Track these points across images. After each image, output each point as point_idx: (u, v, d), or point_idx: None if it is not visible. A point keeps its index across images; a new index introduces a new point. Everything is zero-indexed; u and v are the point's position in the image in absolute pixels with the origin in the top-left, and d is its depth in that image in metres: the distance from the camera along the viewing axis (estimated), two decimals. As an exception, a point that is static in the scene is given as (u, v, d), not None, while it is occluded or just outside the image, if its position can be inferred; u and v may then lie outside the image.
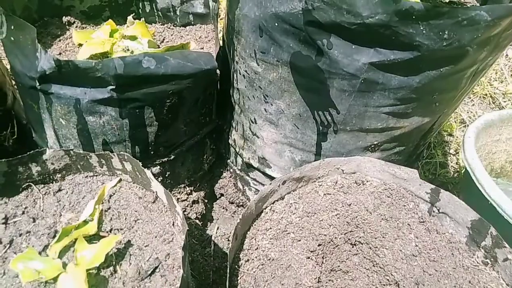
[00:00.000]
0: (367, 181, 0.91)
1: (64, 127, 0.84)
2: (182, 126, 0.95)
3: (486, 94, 1.79)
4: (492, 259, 0.74)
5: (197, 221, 1.12)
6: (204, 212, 1.16)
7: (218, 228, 1.17)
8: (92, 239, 0.74)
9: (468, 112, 1.70)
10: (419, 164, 1.42)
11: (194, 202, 1.12)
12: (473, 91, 1.80)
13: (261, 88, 0.87)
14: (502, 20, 0.66)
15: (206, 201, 1.18)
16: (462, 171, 1.37)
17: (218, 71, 0.92)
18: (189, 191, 1.11)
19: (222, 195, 1.23)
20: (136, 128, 0.86)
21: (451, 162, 1.49)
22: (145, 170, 0.77)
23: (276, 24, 0.75)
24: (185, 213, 1.09)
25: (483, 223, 0.76)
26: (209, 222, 1.20)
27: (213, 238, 1.12)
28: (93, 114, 0.81)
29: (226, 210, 1.24)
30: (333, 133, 0.86)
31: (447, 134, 1.62)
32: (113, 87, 0.77)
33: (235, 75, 0.94)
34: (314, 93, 0.80)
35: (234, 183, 1.19)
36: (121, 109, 0.81)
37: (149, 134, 0.88)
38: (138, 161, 0.77)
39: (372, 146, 0.89)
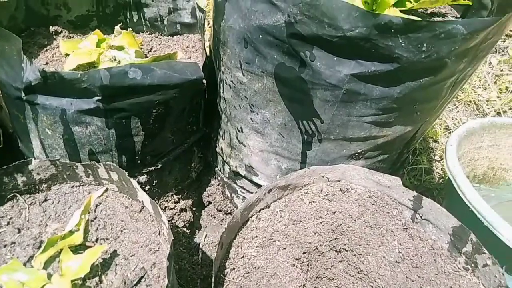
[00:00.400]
0: (351, 189, 0.92)
1: (50, 137, 0.84)
2: (169, 135, 0.96)
3: (470, 101, 1.83)
4: (472, 265, 0.76)
5: (184, 229, 1.12)
6: (192, 220, 1.16)
7: (206, 236, 1.18)
8: (78, 249, 0.74)
9: (452, 119, 1.74)
10: (404, 171, 1.45)
11: (181, 210, 1.12)
12: (457, 98, 1.84)
13: (247, 98, 0.88)
14: (478, 33, 0.68)
15: (194, 209, 1.19)
16: (447, 178, 1.40)
17: (204, 81, 0.93)
18: (177, 200, 1.11)
19: (210, 202, 1.24)
20: (122, 137, 0.86)
21: (436, 169, 1.51)
22: (131, 179, 0.78)
23: (260, 36, 0.76)
24: (173, 221, 1.10)
25: (463, 229, 0.77)
26: (197, 230, 1.21)
27: (201, 246, 1.13)
28: (79, 124, 0.82)
29: (214, 217, 1.24)
30: (317, 142, 0.88)
31: (432, 140, 1.64)
32: (99, 97, 0.78)
33: (221, 84, 0.95)
34: (298, 103, 0.82)
35: (222, 191, 1.20)
36: (107, 119, 0.82)
37: (135, 143, 0.89)
38: (124, 171, 0.78)
39: (356, 154, 0.91)
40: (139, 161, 0.93)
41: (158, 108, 0.86)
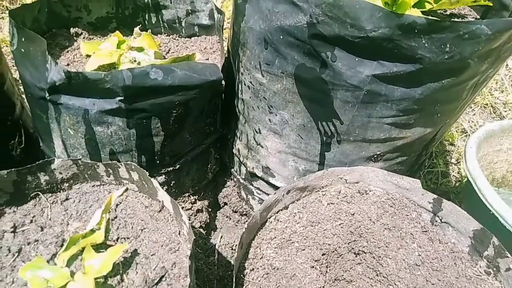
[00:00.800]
0: (370, 191, 0.92)
1: (72, 137, 0.86)
2: (187, 135, 0.96)
3: (487, 104, 1.80)
4: (494, 269, 0.75)
5: (201, 230, 1.12)
6: (208, 221, 1.17)
7: (221, 237, 1.18)
8: (99, 248, 0.75)
9: (469, 122, 1.72)
10: (421, 173, 1.43)
11: (198, 211, 1.13)
12: (474, 101, 1.82)
13: (266, 98, 0.88)
14: (502, 34, 0.68)
15: (210, 210, 1.19)
16: (464, 181, 1.39)
17: (223, 82, 0.94)
18: (194, 200, 1.12)
19: (225, 204, 1.24)
20: (142, 138, 0.87)
21: (453, 172, 1.50)
22: (152, 179, 0.78)
23: (281, 37, 0.77)
24: (190, 222, 1.10)
25: (485, 233, 0.77)
26: (212, 231, 1.21)
27: (217, 247, 1.13)
28: (101, 124, 0.83)
29: (230, 219, 1.25)
30: (336, 144, 0.87)
31: (449, 143, 1.63)
32: (122, 98, 0.79)
33: (240, 85, 0.96)
34: (318, 104, 0.82)
35: (237, 192, 1.20)
36: (128, 120, 0.83)
37: (155, 143, 0.90)
38: (144, 170, 0.79)
39: (375, 156, 0.91)
40: (158, 161, 0.94)
41: (178, 109, 0.87)
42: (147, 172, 0.78)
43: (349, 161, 0.91)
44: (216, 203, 1.25)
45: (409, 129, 0.85)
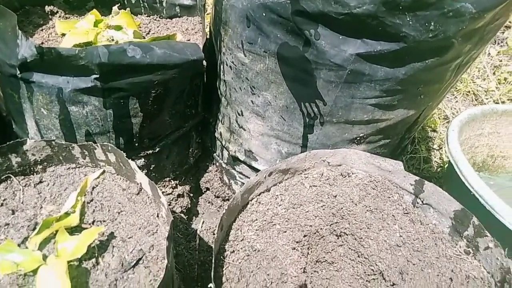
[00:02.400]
0: (352, 173, 0.91)
1: (46, 118, 0.82)
2: (167, 117, 0.94)
3: (469, 91, 1.82)
4: (474, 248, 0.75)
5: (182, 215, 1.10)
6: (190, 206, 1.15)
7: (203, 222, 1.16)
8: (74, 231, 0.73)
9: (451, 109, 1.73)
10: (403, 158, 1.44)
11: (179, 196, 1.10)
12: (456, 88, 1.83)
13: (248, 79, 0.86)
14: (486, 12, 0.67)
15: (191, 195, 1.17)
16: (445, 166, 1.40)
17: (204, 62, 0.91)
18: (174, 185, 1.09)
19: (207, 189, 1.22)
20: (120, 118, 0.84)
21: (435, 157, 1.51)
22: (129, 161, 0.76)
23: (264, 14, 0.74)
24: (170, 206, 1.08)
25: (465, 213, 0.77)
26: (194, 216, 1.19)
27: (198, 232, 1.11)
28: (76, 104, 0.79)
29: (212, 204, 1.23)
30: (319, 125, 0.86)
31: (431, 130, 1.64)
32: (97, 76, 0.75)
33: (221, 66, 0.93)
34: (301, 84, 0.80)
35: (220, 177, 1.18)
36: (105, 99, 0.80)
37: (133, 125, 0.87)
38: (122, 152, 0.76)
39: (358, 138, 0.90)
40: (136, 144, 0.91)
41: (157, 89, 0.84)
42: (124, 154, 0.76)
43: (332, 144, 0.90)
44: (198, 189, 1.23)
45: (392, 110, 0.84)
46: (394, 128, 0.91)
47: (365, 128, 0.87)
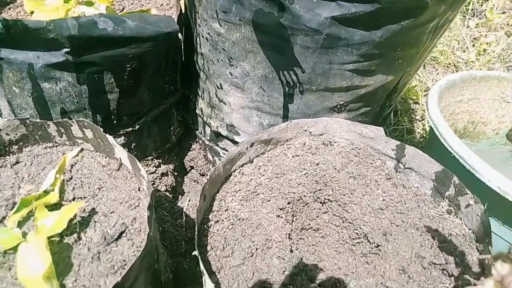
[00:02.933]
0: (334, 142, 0.91)
1: (18, 96, 0.80)
2: (145, 94, 0.92)
3: (449, 64, 1.83)
4: (455, 207, 0.76)
5: (167, 193, 1.10)
6: (174, 184, 1.14)
7: (189, 200, 1.16)
8: (54, 209, 0.71)
9: (432, 81, 1.74)
10: (386, 130, 1.45)
11: (163, 174, 1.10)
12: (437, 60, 1.84)
13: (225, 50, 0.85)
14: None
15: (175, 174, 1.17)
16: (429, 129, 1.41)
17: (180, 35, 0.89)
18: (157, 164, 1.08)
19: (192, 167, 1.21)
20: (96, 95, 0.82)
21: (417, 128, 1.52)
22: (107, 135, 0.74)
23: (236, -20, 0.73)
24: (154, 185, 1.07)
25: (446, 173, 0.78)
26: (180, 195, 1.19)
27: (184, 210, 1.11)
28: (48, 80, 0.77)
29: (197, 182, 1.22)
30: (299, 94, 0.86)
31: (413, 102, 1.65)
32: (68, 49, 0.73)
33: (198, 39, 0.92)
34: (278, 52, 0.79)
35: (204, 155, 1.17)
36: (78, 74, 0.78)
37: (110, 101, 0.85)
38: (98, 127, 0.75)
39: (338, 106, 0.90)
40: (115, 121, 0.90)
41: (132, 63, 0.82)
42: (101, 129, 0.74)
43: (313, 113, 0.90)
44: (183, 168, 1.22)
45: (371, 76, 0.84)
46: (374, 95, 0.91)
47: (345, 95, 0.87)
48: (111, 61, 0.79)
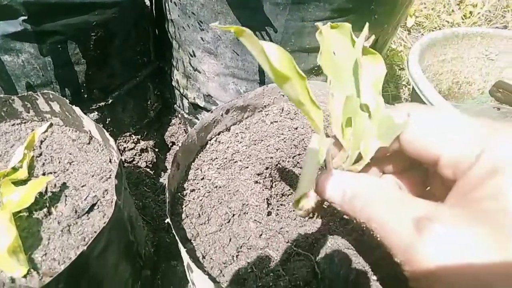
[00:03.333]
0: (314, 106, 0.89)
1: (-21, 71, 0.77)
2: (116, 65, 0.89)
3: (435, 27, 1.80)
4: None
5: (147, 169, 1.07)
6: (155, 161, 1.11)
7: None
8: (23, 185, 0.69)
9: (418, 46, 1.71)
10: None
11: (142, 150, 1.07)
12: (422, 25, 1.81)
13: (194, 14, 0.81)
14: None
15: (156, 150, 1.14)
16: (411, 90, 1.39)
17: (147, 2, 0.85)
18: (136, 140, 1.06)
19: (173, 143, 1.19)
20: (61, 67, 0.79)
21: (404, 94, 1.50)
22: (74, 107, 0.72)
23: None
24: (134, 162, 1.05)
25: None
26: (162, 172, 1.17)
27: (166, 186, 1.08)
28: (8, 53, 0.74)
29: (180, 159, 1.20)
30: (273, 56, 0.83)
31: (399, 68, 1.62)
32: (25, 17, 0.69)
33: (166, 5, 0.88)
34: (248, 11, 0.76)
35: (184, 129, 1.15)
36: (40, 45, 0.74)
37: (78, 74, 0.82)
38: (64, 99, 0.72)
39: (316, 68, 0.87)
40: (85, 95, 0.87)
41: (97, 31, 0.79)
42: (67, 100, 0.71)
43: (290, 76, 0.87)
44: (164, 144, 1.20)
45: (347, 34, 0.81)
46: (352, 54, 0.88)
47: (322, 56, 0.84)
48: (74, 30, 0.76)
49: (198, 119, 1.07)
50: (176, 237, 0.59)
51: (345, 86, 0.43)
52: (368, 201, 0.36)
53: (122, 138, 1.02)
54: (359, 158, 0.41)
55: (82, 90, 0.85)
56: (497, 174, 0.30)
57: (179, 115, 1.13)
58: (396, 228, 0.32)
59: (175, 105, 1.12)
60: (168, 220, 0.61)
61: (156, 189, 1.07)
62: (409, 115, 0.36)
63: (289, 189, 0.83)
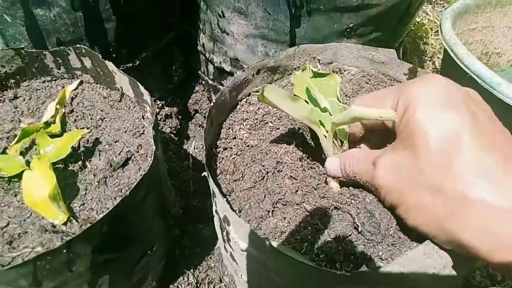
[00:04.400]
0: (344, 70, 0.87)
1: (11, 26, 0.76)
2: (144, 25, 0.87)
3: (459, 2, 1.75)
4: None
5: (172, 135, 1.07)
6: (179, 127, 1.11)
7: (195, 143, 1.13)
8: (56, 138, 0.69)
9: (442, 20, 1.67)
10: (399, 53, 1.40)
11: (167, 116, 1.06)
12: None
13: (226, -29, 0.80)
14: None
15: (180, 117, 1.13)
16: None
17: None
18: (161, 105, 1.05)
19: (196, 111, 1.18)
20: (92, 23, 0.78)
21: (428, 68, 1.47)
22: (106, 62, 0.71)
23: None
24: (159, 127, 1.05)
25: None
26: (185, 140, 1.16)
27: (190, 152, 1.08)
28: (41, 6, 0.73)
29: (202, 127, 1.20)
30: (306, 16, 0.81)
31: (423, 42, 1.59)
32: (59, -31, 0.68)
33: (196, -37, 0.86)
34: (283, -34, 0.74)
35: (208, 97, 1.14)
36: (72, -1, 0.73)
37: (108, 31, 0.81)
38: (97, 53, 0.71)
39: (348, 30, 0.85)
40: (114, 55, 0.86)
41: (127, -13, 0.77)
42: (99, 55, 0.71)
43: (322, 37, 0.85)
44: (187, 112, 1.19)
45: (383, -7, 0.79)
46: (385, 17, 0.86)
47: (355, 16, 0.82)
48: (106, -16, 0.74)
49: (223, 85, 1.06)
50: (215, 190, 0.58)
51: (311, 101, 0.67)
52: (351, 164, 0.56)
53: (147, 102, 1.01)
54: (342, 144, 0.63)
55: (111, 49, 0.84)
56: (407, 110, 0.45)
57: (203, 82, 1.12)
58: (366, 171, 0.53)
59: (199, 72, 1.11)
60: (206, 173, 0.60)
61: (180, 155, 1.07)
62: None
63: (320, 151, 0.82)
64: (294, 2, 0.78)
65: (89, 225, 0.51)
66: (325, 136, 0.62)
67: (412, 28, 1.56)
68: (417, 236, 0.52)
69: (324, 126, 0.62)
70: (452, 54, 0.85)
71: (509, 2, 1.07)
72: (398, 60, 0.83)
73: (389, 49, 0.83)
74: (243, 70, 0.76)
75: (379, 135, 0.59)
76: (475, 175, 0.40)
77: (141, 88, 0.66)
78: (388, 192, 0.50)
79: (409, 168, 0.45)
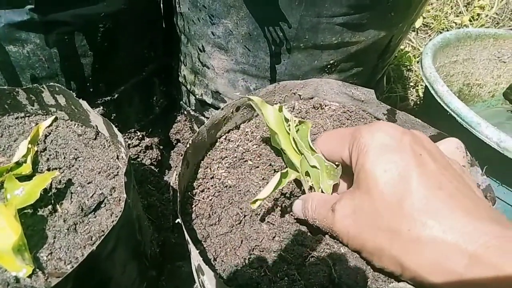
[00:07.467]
0: (325, 105, 0.87)
1: (-18, 62, 0.74)
2: (123, 59, 0.86)
3: (443, 29, 1.78)
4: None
5: (152, 167, 1.05)
6: (160, 158, 1.09)
7: (176, 175, 1.11)
8: (26, 180, 0.67)
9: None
10: (378, 95, 1.41)
11: (147, 147, 1.05)
12: (430, 26, 1.79)
13: (205, 7, 0.79)
14: None
15: (161, 147, 1.12)
16: (421, 102, 1.37)
17: (157, -5, 0.83)
18: (141, 136, 1.03)
19: (178, 141, 1.16)
20: (68, 59, 0.76)
21: (411, 96, 1.48)
22: (80, 101, 0.69)
23: None
24: (138, 159, 1.03)
25: (442, 136, 0.74)
26: (167, 170, 1.14)
27: (171, 184, 1.06)
28: (13, 43, 0.71)
29: (185, 156, 1.18)
30: (286, 53, 0.81)
31: (406, 69, 1.60)
32: (32, 6, 0.67)
33: (176, -2, 0.86)
34: (262, 5, 0.74)
35: (190, 127, 1.13)
36: (46, 36, 0.71)
37: (84, 66, 0.79)
38: (71, 92, 0.69)
39: (329, 66, 0.85)
40: (91, 90, 0.84)
41: (105, 23, 0.76)
42: (74, 93, 0.69)
43: (302, 74, 0.85)
44: (169, 141, 1.17)
45: (362, 31, 0.79)
46: (365, 53, 0.86)
47: (335, 53, 0.82)
48: (82, 21, 0.73)
49: (205, 116, 1.05)
50: (188, 238, 0.56)
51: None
52: (309, 209, 0.59)
53: (126, 134, 1.00)
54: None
55: (88, 84, 0.82)
56: (359, 155, 0.49)
57: (185, 112, 1.10)
58: (325, 217, 0.54)
59: (181, 102, 1.09)
60: (179, 220, 0.59)
61: (160, 187, 1.05)
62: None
63: (299, 191, 0.80)
64: (274, 40, 0.78)
65: (55, 279, 0.49)
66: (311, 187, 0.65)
67: (396, 55, 1.57)
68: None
69: (306, 176, 0.65)
70: (432, 92, 0.85)
71: (488, 36, 1.09)
72: (377, 100, 0.83)
73: (368, 89, 0.83)
74: (222, 109, 0.75)
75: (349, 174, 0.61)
76: (425, 214, 0.43)
77: (115, 129, 0.65)
78: (349, 238, 0.52)
79: (367, 212, 0.47)
